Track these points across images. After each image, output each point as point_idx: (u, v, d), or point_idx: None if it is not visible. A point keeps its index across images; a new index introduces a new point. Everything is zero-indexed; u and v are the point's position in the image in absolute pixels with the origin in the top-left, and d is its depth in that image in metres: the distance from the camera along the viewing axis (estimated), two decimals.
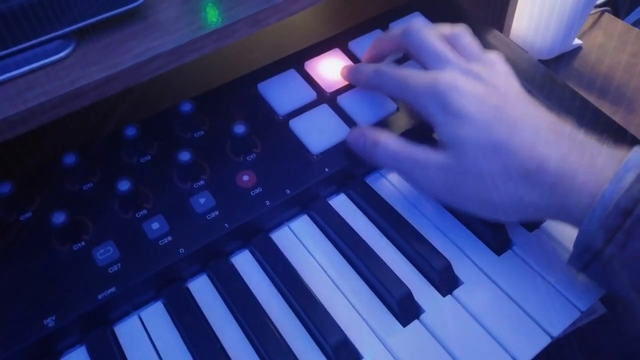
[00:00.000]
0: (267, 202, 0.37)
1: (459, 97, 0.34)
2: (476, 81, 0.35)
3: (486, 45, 0.46)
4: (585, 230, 0.30)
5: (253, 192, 0.37)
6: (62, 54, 0.35)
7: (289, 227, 0.38)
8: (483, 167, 0.33)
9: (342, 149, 0.40)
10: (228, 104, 0.42)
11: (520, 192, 0.32)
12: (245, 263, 0.37)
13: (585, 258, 0.31)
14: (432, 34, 0.38)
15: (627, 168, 0.29)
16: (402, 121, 0.42)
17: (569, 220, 0.32)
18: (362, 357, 0.32)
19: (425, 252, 0.35)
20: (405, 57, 0.45)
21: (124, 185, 0.35)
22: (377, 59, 0.43)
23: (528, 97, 0.35)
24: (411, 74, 0.37)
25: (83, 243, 0.34)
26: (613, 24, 0.70)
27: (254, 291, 0.35)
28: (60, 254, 0.34)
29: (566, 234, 0.37)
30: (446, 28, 0.39)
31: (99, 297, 0.32)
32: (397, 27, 0.48)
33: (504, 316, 0.34)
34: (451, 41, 0.38)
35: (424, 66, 0.38)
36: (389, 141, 0.37)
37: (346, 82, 0.44)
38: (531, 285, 0.35)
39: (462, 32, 0.38)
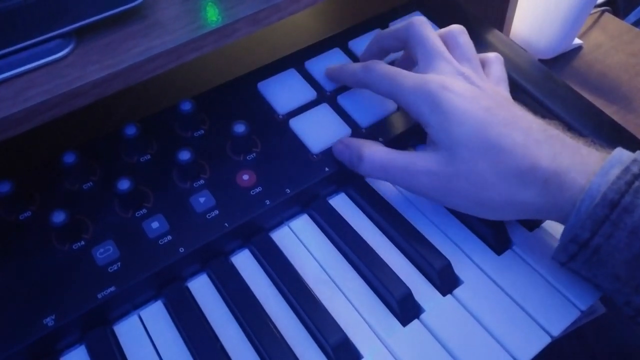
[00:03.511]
0: (267, 202, 0.37)
1: (450, 97, 0.34)
2: (466, 82, 0.35)
3: (486, 45, 0.46)
4: (574, 221, 0.31)
5: (253, 192, 0.37)
6: (61, 53, 0.35)
7: (289, 227, 0.38)
8: (475, 167, 0.33)
9: None
10: (228, 103, 0.42)
11: (513, 191, 0.33)
12: (245, 262, 0.37)
13: (571, 249, 0.31)
14: (432, 32, 0.38)
15: (612, 164, 0.30)
16: (402, 121, 0.42)
17: (561, 218, 0.32)
18: (362, 357, 0.32)
19: (425, 251, 0.35)
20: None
21: (124, 185, 0.35)
22: (377, 55, 0.43)
23: (515, 102, 0.36)
24: (401, 72, 0.37)
25: (83, 242, 0.34)
26: (613, 24, 0.71)
27: (254, 291, 0.35)
28: (60, 253, 0.34)
29: None
30: (444, 29, 0.39)
31: (99, 296, 0.32)
32: (396, 24, 0.48)
33: (504, 316, 0.34)
34: (447, 39, 0.38)
35: (416, 60, 0.38)
36: (374, 153, 0.37)
37: None
38: (531, 285, 0.35)
39: (459, 31, 0.39)
